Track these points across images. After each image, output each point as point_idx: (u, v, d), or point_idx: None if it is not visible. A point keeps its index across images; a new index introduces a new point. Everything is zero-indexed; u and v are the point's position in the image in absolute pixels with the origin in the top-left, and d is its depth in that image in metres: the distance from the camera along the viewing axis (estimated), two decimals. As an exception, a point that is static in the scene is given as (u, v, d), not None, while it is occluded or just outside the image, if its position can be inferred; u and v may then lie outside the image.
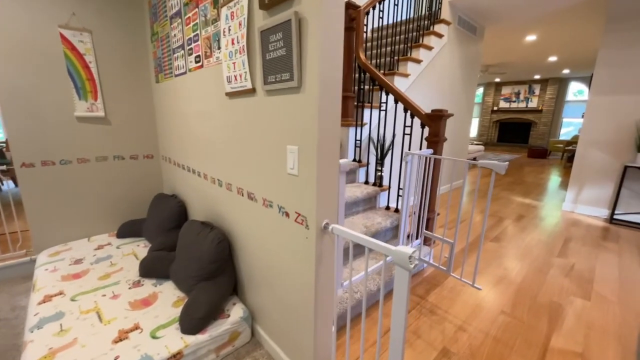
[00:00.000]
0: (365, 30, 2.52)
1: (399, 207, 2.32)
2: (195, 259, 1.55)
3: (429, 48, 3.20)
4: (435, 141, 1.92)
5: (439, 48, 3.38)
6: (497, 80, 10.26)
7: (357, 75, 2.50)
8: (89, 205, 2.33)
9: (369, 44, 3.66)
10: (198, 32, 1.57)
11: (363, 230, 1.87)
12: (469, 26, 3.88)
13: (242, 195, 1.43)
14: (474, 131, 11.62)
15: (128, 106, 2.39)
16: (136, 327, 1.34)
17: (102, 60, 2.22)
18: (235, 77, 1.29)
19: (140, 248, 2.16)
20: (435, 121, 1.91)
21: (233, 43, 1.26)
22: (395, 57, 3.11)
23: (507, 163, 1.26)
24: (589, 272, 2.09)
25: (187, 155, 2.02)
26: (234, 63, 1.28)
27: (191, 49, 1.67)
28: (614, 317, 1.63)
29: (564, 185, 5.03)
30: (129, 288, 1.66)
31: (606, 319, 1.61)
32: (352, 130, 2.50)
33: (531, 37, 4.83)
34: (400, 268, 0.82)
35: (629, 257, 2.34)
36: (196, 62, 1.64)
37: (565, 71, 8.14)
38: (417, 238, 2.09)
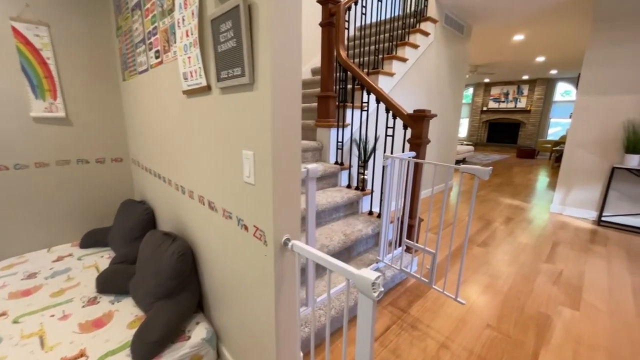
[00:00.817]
0: (347, 26, 2.41)
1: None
2: (153, 274, 1.40)
3: (415, 46, 3.11)
4: (417, 143, 1.81)
5: (425, 47, 3.29)
6: (487, 80, 10.30)
7: (339, 74, 2.38)
8: (49, 213, 2.16)
9: (352, 43, 3.55)
10: (156, 24, 1.43)
11: (342, 239, 1.75)
12: (456, 25, 3.81)
13: (204, 204, 1.30)
14: (464, 131, 11.65)
15: (93, 106, 2.22)
16: (81, 354, 1.20)
17: (62, 56, 2.05)
18: (190, 73, 1.16)
19: (104, 259, 2.00)
20: (417, 122, 1.80)
21: (187, 35, 1.12)
22: (380, 56, 3.01)
23: (490, 168, 1.16)
24: (577, 279, 2.02)
25: (152, 159, 1.87)
26: (189, 57, 1.15)
27: (151, 43, 1.53)
28: (604, 329, 1.54)
29: (552, 185, 5.01)
30: (83, 306, 1.50)
31: (596, 331, 1.53)
32: (333, 131, 2.38)
33: (519, 37, 4.80)
34: (364, 296, 0.70)
35: (617, 262, 2.28)
36: (156, 57, 1.50)
37: (553, 72, 8.20)
38: (399, 245, 1.98)
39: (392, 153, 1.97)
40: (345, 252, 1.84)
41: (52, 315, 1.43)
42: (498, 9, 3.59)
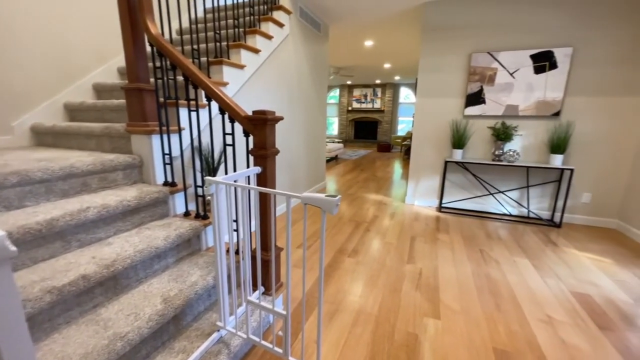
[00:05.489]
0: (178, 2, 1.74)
1: (236, 241, 1.70)
2: None
3: (269, 37, 2.71)
4: (262, 155, 1.37)
5: (281, 39, 2.95)
6: (349, 82, 11.27)
7: (164, 63, 1.69)
8: None
9: (201, 26, 2.87)
10: None
11: (158, 311, 1.13)
12: (312, 21, 3.65)
13: None
14: (334, 130, 12.50)
15: None
16: None
17: None
18: None
19: None
20: (259, 127, 1.36)
21: None
22: (225, 43, 2.46)
23: (338, 198, 0.81)
24: (433, 277, 2.08)
25: None
26: None
27: None
28: (463, 338, 1.52)
29: (406, 177, 5.73)
30: None
31: (457, 344, 1.48)
32: (156, 139, 1.69)
33: (369, 42, 5.17)
34: None
35: (458, 248, 2.54)
36: None
37: (397, 77, 9.63)
38: (255, 291, 1.52)
39: (235, 170, 1.47)
40: (170, 325, 1.23)
41: None
42: (345, 11, 3.63)
